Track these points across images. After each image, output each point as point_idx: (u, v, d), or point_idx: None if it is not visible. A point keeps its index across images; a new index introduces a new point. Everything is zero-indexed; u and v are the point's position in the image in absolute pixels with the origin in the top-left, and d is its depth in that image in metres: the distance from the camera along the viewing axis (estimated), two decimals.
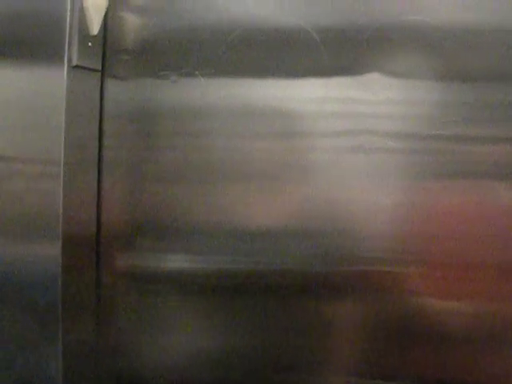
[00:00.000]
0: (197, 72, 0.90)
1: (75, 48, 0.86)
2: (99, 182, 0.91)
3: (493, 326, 0.85)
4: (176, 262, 0.93)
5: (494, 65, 0.84)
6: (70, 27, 0.85)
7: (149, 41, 0.92)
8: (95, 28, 0.87)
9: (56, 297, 0.87)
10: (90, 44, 0.87)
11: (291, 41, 0.88)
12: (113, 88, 0.92)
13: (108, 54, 0.91)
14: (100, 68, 0.90)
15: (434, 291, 0.87)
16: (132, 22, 0.92)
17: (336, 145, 0.88)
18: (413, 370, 0.89)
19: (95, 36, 0.88)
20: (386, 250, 0.87)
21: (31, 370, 0.91)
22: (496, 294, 0.85)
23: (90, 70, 0.88)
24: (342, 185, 0.88)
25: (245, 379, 0.93)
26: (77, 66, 0.86)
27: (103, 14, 0.88)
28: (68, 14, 0.85)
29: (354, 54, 0.87)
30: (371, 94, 0.87)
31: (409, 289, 0.87)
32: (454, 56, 0.84)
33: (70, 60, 0.86)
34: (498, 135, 0.84)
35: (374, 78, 0.86)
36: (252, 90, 0.90)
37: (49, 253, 0.87)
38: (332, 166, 0.88)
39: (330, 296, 0.90)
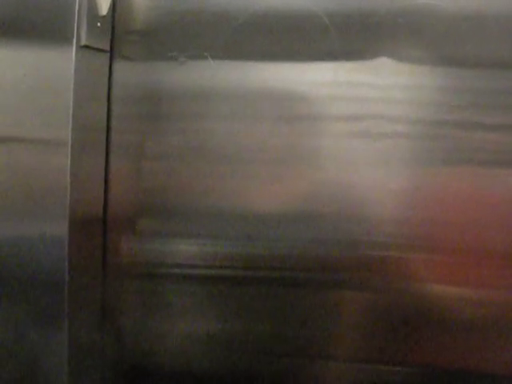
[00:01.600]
0: (206, 54, 0.89)
1: (84, 28, 0.85)
2: (107, 163, 0.90)
3: (498, 312, 0.86)
4: (182, 244, 0.93)
5: (505, 51, 0.84)
6: (79, 7, 0.84)
7: (158, 22, 0.91)
8: (104, 8, 0.86)
9: (63, 278, 0.87)
10: (98, 24, 0.86)
11: (300, 24, 0.88)
12: (121, 69, 0.91)
13: (117, 34, 0.90)
14: (108, 49, 0.89)
15: (440, 277, 0.88)
16: (141, 3, 0.91)
17: (343, 129, 0.88)
18: (418, 356, 0.90)
19: (104, 16, 0.87)
20: (391, 235, 0.88)
21: (36, 354, 0.91)
22: (502, 281, 0.86)
23: (98, 50, 0.87)
24: (349, 169, 0.88)
25: (250, 365, 0.94)
26: (85, 47, 0.85)
27: None
28: None
29: (363, 38, 0.87)
30: (380, 78, 0.86)
31: (415, 275, 0.88)
32: (463, 41, 0.84)
33: (78, 40, 0.85)
34: (507, 122, 0.85)
35: (382, 63, 0.86)
36: (261, 74, 0.90)
37: (56, 234, 0.87)
38: (339, 150, 0.88)
39: (335, 281, 0.90)
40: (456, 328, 0.87)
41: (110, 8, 0.87)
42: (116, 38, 0.90)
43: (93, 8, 0.85)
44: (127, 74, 0.91)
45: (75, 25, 0.84)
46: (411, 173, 0.87)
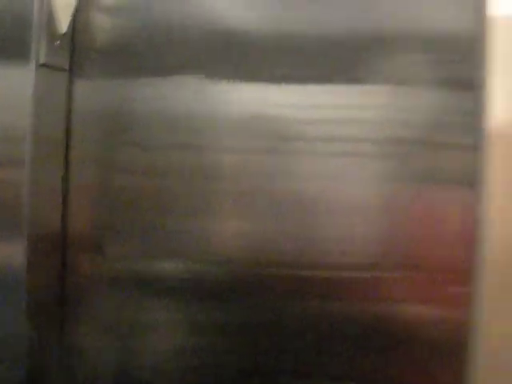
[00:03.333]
0: (168, 72, 0.89)
1: (42, 46, 0.84)
2: (66, 182, 0.90)
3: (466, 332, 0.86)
4: (145, 262, 0.93)
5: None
6: (38, 25, 0.84)
7: (118, 40, 0.91)
8: (63, 26, 0.86)
9: (20, 296, 0.86)
10: (57, 42, 0.86)
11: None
12: (81, 87, 0.90)
13: (76, 53, 0.89)
14: (68, 67, 0.89)
15: (404, 295, 0.88)
16: (101, 21, 0.91)
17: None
18: (391, 375, 0.89)
19: (63, 34, 0.86)
20: (362, 255, 0.88)
21: None
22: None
23: (57, 69, 0.87)
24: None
25: (227, 381, 0.93)
26: (44, 65, 0.85)
27: (72, 11, 0.87)
28: (35, 11, 0.84)
29: None
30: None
31: (381, 293, 0.88)
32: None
33: (37, 59, 0.84)
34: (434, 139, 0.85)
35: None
36: (220, 93, 0.90)
37: (13, 254, 0.86)
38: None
39: (307, 300, 0.89)
40: (427, 346, 0.87)
41: (69, 26, 0.87)
42: (76, 56, 0.89)
43: (52, 26, 0.85)
44: (87, 92, 0.91)
45: (33, 43, 0.84)
46: (349, 191, 0.87)
